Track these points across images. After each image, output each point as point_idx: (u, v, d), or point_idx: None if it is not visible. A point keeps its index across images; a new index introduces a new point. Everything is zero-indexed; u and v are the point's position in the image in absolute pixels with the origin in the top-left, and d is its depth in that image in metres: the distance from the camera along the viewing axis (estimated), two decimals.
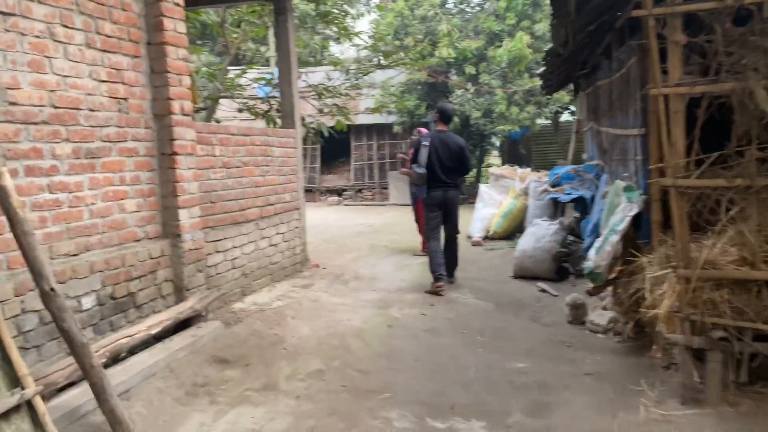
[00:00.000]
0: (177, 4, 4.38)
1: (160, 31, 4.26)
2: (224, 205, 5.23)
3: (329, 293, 6.01)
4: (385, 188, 17.22)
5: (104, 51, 3.88)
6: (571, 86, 11.70)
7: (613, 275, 4.53)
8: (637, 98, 4.19)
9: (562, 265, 6.63)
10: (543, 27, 12.86)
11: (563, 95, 13.40)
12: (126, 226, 4.08)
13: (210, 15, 8.74)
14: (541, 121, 15.24)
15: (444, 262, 6.21)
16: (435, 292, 5.98)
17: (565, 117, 19.18)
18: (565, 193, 6.92)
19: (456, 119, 13.68)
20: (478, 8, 15.01)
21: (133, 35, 4.14)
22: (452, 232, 6.45)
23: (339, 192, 17.87)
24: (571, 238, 7.26)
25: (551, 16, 4.19)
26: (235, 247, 5.39)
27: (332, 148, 17.90)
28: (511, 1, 13.28)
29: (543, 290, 6.09)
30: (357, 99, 16.72)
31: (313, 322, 5.10)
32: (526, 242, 6.59)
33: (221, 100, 8.64)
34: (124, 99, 4.07)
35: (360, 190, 17.62)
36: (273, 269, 6.12)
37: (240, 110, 8.26)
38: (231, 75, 9.04)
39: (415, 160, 6.22)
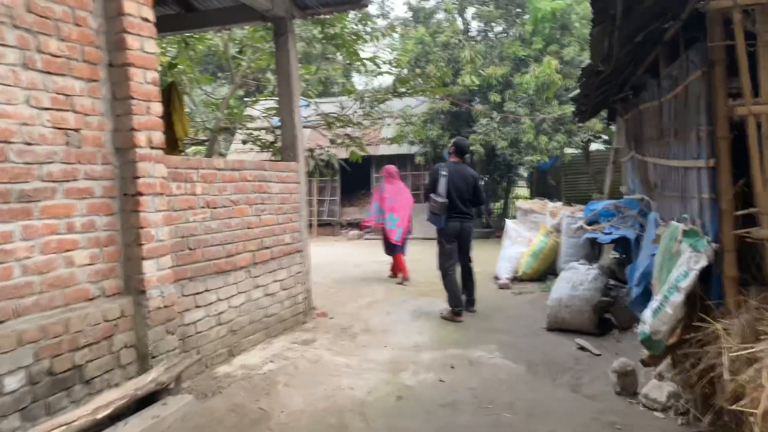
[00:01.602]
0: (145, 20, 3.73)
1: (123, 50, 3.60)
2: (207, 251, 4.50)
3: (333, 351, 5.20)
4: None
5: (47, 73, 3.22)
6: (604, 114, 10.89)
7: (674, 339, 3.64)
8: (702, 122, 3.36)
9: (604, 317, 5.72)
10: (572, 51, 12.11)
11: (595, 123, 12.54)
12: (73, 282, 3.36)
13: (212, 40, 8.21)
14: (570, 150, 14.37)
15: (462, 294, 6.41)
16: (452, 320, 6.21)
17: (595, 146, 18.26)
18: (604, 232, 6.04)
19: (481, 149, 12.91)
20: (503, 34, 14.33)
21: (89, 55, 3.49)
22: (467, 262, 6.58)
23: (360, 225, 17.12)
24: (611, 282, 6.35)
25: (591, 23, 3.42)
26: (220, 300, 4.65)
27: (352, 179, 17.28)
28: (538, 25, 12.58)
29: (582, 348, 5.19)
30: (377, 129, 16.14)
31: (309, 390, 4.28)
32: (561, 289, 5.70)
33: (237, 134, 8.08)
34: (75, 130, 3.39)
35: None
36: (269, 323, 5.35)
37: (244, 142, 7.63)
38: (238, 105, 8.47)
39: (433, 190, 6.31)
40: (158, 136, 3.83)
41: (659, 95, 4.52)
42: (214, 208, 4.61)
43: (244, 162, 5.05)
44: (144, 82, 3.72)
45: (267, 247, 5.33)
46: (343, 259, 11.84)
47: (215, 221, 4.62)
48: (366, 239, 16.22)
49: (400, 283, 8.54)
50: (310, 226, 16.85)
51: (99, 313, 3.44)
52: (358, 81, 21.15)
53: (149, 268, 3.72)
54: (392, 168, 8.61)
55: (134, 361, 3.68)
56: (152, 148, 3.78)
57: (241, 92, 9.60)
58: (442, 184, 6.20)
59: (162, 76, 6.83)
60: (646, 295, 4.80)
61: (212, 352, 4.56)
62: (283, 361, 4.82)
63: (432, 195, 6.27)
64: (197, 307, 4.38)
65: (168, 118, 5.83)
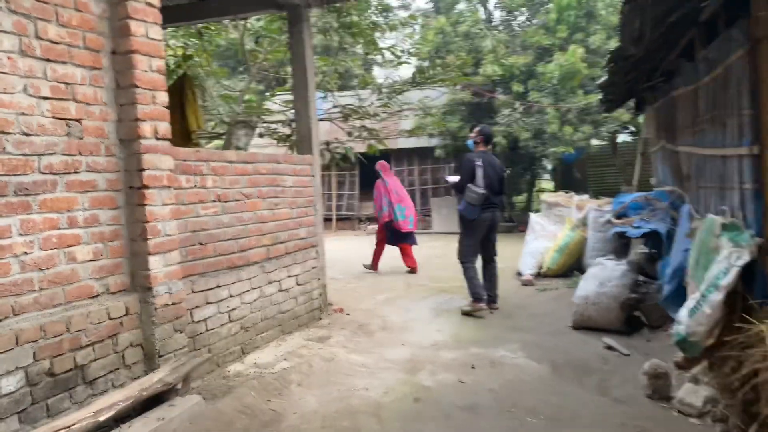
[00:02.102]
0: (150, 4, 3.57)
1: (127, 37, 3.45)
2: (218, 246, 4.35)
3: (348, 349, 5.02)
4: (428, 215, 16.19)
5: (47, 60, 3.08)
6: (631, 104, 10.52)
7: (711, 340, 3.38)
8: (744, 105, 3.09)
9: (633, 315, 5.45)
10: (598, 40, 11.73)
11: (622, 113, 12.15)
12: (76, 279, 3.23)
13: (230, 34, 8.08)
14: (596, 142, 13.98)
15: (484, 286, 6.28)
16: (472, 313, 6.09)
17: (622, 138, 17.78)
18: (634, 225, 5.75)
19: (503, 141, 12.61)
20: (526, 22, 13.98)
21: (91, 42, 3.34)
22: (493, 254, 6.43)
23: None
24: (641, 278, 6.07)
25: (622, 2, 3.17)
26: (232, 296, 4.50)
27: (371, 174, 17.05)
28: (563, 13, 12.22)
29: (610, 347, 4.93)
30: (396, 122, 15.91)
31: (323, 390, 4.12)
32: (588, 286, 5.44)
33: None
34: (77, 120, 3.25)
35: None
36: (283, 319, 5.19)
37: (261, 135, 7.48)
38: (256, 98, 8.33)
39: (470, 180, 6.10)
40: (164, 127, 3.68)
41: (695, 79, 4.24)
42: (226, 201, 4.46)
43: (256, 155, 4.89)
44: (149, 70, 3.57)
45: (281, 242, 5.17)
46: (361, 254, 11.63)
47: (227, 215, 4.46)
48: None
49: (410, 272, 8.88)
50: (330, 220, 16.72)
51: (103, 310, 3.31)
52: (380, 74, 20.92)
53: (156, 263, 3.58)
54: (386, 162, 9.04)
55: (140, 361, 3.55)
56: (158, 139, 3.63)
57: (262, 86, 9.46)
58: (480, 175, 6.04)
59: (176, 68, 6.72)
60: (679, 293, 4.53)
61: (224, 350, 4.41)
62: (297, 359, 4.66)
63: (470, 186, 6.06)
64: (208, 303, 4.23)
65: (181, 110, 5.71)
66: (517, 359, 4.76)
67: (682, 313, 3.22)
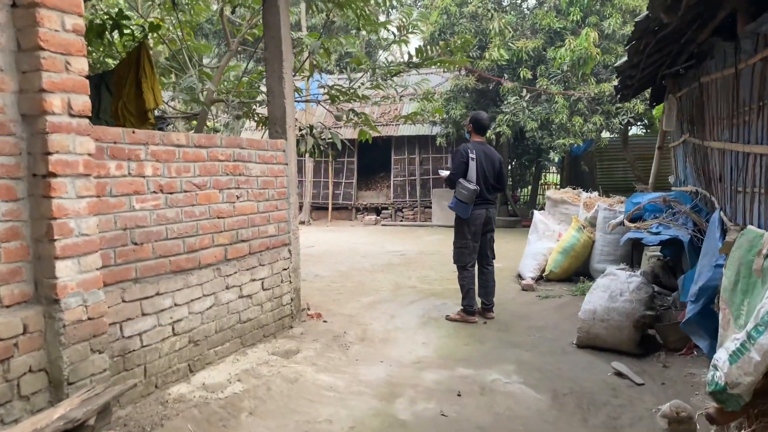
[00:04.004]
0: None
1: None
2: (159, 246, 3.66)
3: (317, 367, 4.34)
4: (428, 207, 15.48)
5: None
6: (646, 94, 9.73)
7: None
8: None
9: (647, 333, 4.76)
10: (614, 24, 10.91)
11: (636, 103, 11.35)
12: None
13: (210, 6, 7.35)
14: (606, 134, 13.18)
15: (479, 292, 5.74)
16: (463, 321, 5.58)
17: (633, 131, 16.95)
18: (651, 231, 5.03)
19: (508, 131, 11.84)
20: (536, 4, 13.12)
21: None
22: (490, 257, 5.83)
23: (378, 210, 16.24)
24: (656, 288, 5.36)
25: None
26: (177, 305, 3.81)
27: (370, 161, 16.39)
28: None
29: (620, 374, 4.24)
30: (397, 109, 15.15)
31: (278, 422, 3.45)
32: (596, 299, 4.74)
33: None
34: None
35: (400, 209, 15.92)
36: (244, 330, 4.51)
37: (237, 117, 6.76)
38: (238, 75, 7.59)
39: (462, 174, 5.50)
40: (82, 101, 2.97)
41: (735, 61, 3.49)
42: (171, 193, 3.75)
43: (213, 137, 4.18)
44: (61, 29, 2.85)
45: (243, 240, 4.48)
46: (353, 247, 11.00)
47: (172, 209, 3.77)
48: (383, 225, 15.35)
49: None
50: (326, 209, 16.04)
51: None
52: (385, 60, 20.12)
53: (65, 270, 2.89)
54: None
55: (44, 390, 2.87)
56: (73, 116, 2.92)
57: (243, 63, 8.72)
58: (473, 168, 5.46)
59: (142, 39, 6.00)
60: (704, 315, 3.83)
61: (166, 369, 3.73)
62: (253, 380, 3.98)
63: (461, 181, 5.47)
64: (144, 315, 3.54)
65: (137, 85, 5.00)
66: (511, 385, 4.07)
67: (721, 357, 2.51)
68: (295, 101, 7.23)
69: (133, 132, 3.49)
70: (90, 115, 3.03)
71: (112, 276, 3.31)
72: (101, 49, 6.38)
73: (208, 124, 10.25)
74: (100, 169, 3.23)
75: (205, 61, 8.38)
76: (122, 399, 3.37)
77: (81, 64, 2.96)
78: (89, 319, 3.02)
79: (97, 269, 3.08)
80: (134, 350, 3.48)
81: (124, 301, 3.40)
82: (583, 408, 3.72)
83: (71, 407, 2.79)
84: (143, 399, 3.55)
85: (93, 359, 3.05)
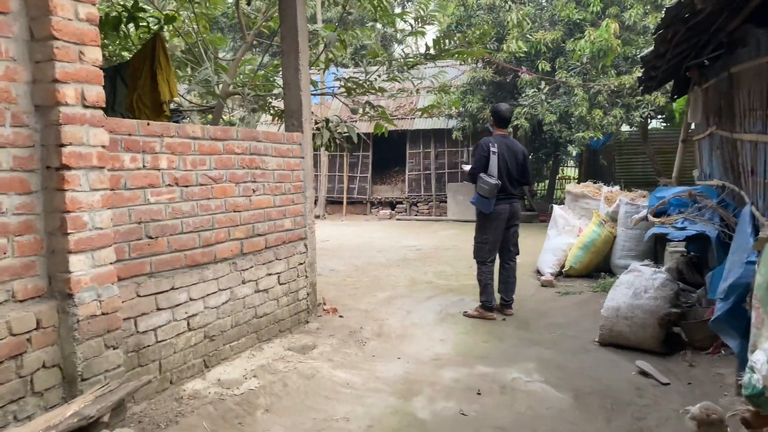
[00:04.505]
0: None
1: None
2: (174, 240, 3.60)
3: (334, 363, 4.27)
4: (444, 201, 15.35)
5: None
6: (668, 87, 9.50)
7: None
8: None
9: (671, 331, 4.62)
10: (635, 15, 10.67)
11: (656, 96, 11.12)
12: None
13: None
14: (625, 127, 12.94)
15: (498, 288, 5.65)
16: (481, 317, 5.46)
17: (653, 125, 16.67)
18: (676, 226, 4.88)
19: (526, 124, 11.67)
20: None
21: None
22: (513, 253, 5.68)
23: (392, 204, 16.13)
24: (680, 285, 5.22)
25: None
26: (193, 300, 3.76)
27: (385, 155, 16.29)
28: None
29: (644, 373, 4.11)
30: (412, 103, 15.01)
31: (294, 419, 3.39)
32: (619, 296, 4.62)
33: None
34: None
35: (415, 203, 15.80)
36: (260, 324, 4.45)
37: (254, 110, 6.70)
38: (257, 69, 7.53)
39: (484, 169, 5.36)
40: (96, 92, 2.91)
41: None
42: (186, 186, 3.70)
43: (229, 130, 4.11)
44: (74, 18, 2.79)
45: (260, 234, 4.41)
46: (368, 242, 10.92)
47: (187, 203, 3.71)
48: (398, 219, 15.26)
49: None
50: (340, 203, 15.98)
51: (1, 323, 2.58)
52: (401, 53, 19.98)
53: (79, 264, 2.84)
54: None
55: (57, 386, 2.83)
56: (87, 107, 2.86)
57: (258, 56, 8.66)
58: (494, 162, 5.32)
59: (158, 31, 5.95)
60: (735, 313, 3.68)
61: (181, 364, 3.69)
62: (269, 376, 3.92)
63: (482, 175, 5.32)
64: (159, 309, 3.49)
65: (152, 78, 4.95)
66: (532, 384, 3.97)
67: (759, 359, 2.39)
68: (311, 94, 7.17)
69: (148, 124, 3.43)
70: (105, 106, 2.98)
71: (127, 270, 3.26)
72: (117, 42, 6.33)
73: (224, 117, 10.22)
74: (115, 161, 3.18)
75: (221, 54, 8.32)
76: (137, 395, 3.32)
77: (95, 54, 2.90)
78: (103, 314, 2.98)
79: (111, 263, 3.03)
80: (149, 346, 3.43)
81: (138, 295, 3.35)
82: (607, 408, 3.61)
83: (85, 404, 2.75)
84: (158, 395, 3.50)
85: (107, 355, 3.00)
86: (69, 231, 2.79)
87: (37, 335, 2.73)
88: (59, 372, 2.84)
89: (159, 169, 3.49)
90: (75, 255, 2.82)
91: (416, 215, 15.54)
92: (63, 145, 2.75)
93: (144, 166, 3.38)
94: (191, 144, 3.74)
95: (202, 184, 3.83)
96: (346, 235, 11.98)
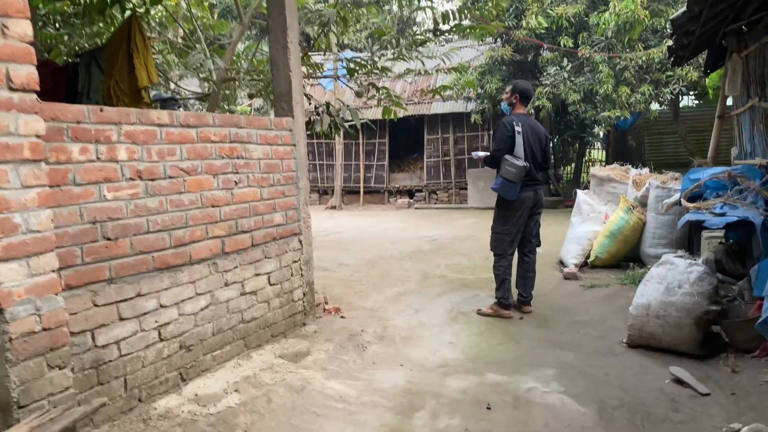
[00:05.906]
0: None
1: None
2: (140, 240, 3.20)
3: (328, 372, 3.85)
4: (464, 188, 14.81)
5: None
6: (700, 60, 8.80)
7: None
8: None
9: (710, 331, 4.08)
10: None
11: (688, 70, 10.40)
12: None
13: None
14: (655, 105, 12.20)
15: (516, 283, 5.16)
16: (496, 315, 4.99)
17: (684, 102, 15.82)
18: (714, 212, 4.32)
19: (548, 104, 11.06)
20: None
21: None
22: (534, 245, 5.18)
23: (411, 193, 15.64)
24: (720, 277, 4.66)
25: None
26: (164, 307, 3.35)
27: (403, 142, 15.79)
28: None
29: (680, 381, 3.59)
30: (430, 86, 14.44)
31: None
32: (650, 292, 4.09)
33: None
34: None
35: (435, 191, 15.28)
36: (248, 330, 4.04)
37: (251, 96, 6.29)
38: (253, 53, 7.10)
39: (509, 150, 4.80)
40: (26, 73, 2.50)
41: None
42: (152, 179, 3.28)
43: (203, 116, 3.68)
44: None
45: (245, 231, 3.99)
46: (383, 232, 10.48)
47: (154, 198, 3.29)
48: (416, 208, 14.77)
49: None
50: (357, 193, 15.55)
51: None
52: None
53: (10, 273, 2.44)
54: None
55: None
56: (13, 89, 2.45)
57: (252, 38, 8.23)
58: (519, 144, 4.79)
59: (144, 14, 5.57)
60: None
61: (151, 379, 3.29)
62: (252, 390, 3.50)
63: (508, 157, 4.77)
64: (122, 319, 3.10)
65: (129, 61, 4.55)
66: (550, 395, 3.49)
67: None
68: (314, 77, 6.69)
69: (101, 110, 3.01)
70: (38, 89, 2.56)
71: (79, 277, 2.86)
72: (101, 25, 5.96)
73: (237, 107, 9.82)
74: (59, 153, 2.76)
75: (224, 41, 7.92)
76: (96, 418, 2.94)
77: (22, 28, 2.49)
78: (44, 329, 2.58)
79: (53, 271, 2.63)
80: (110, 361, 3.04)
81: (96, 305, 2.95)
82: (637, 425, 3.12)
83: None
84: (123, 415, 3.12)
85: (51, 377, 2.61)
86: None
87: None
88: None
89: (117, 161, 3.07)
90: (4, 263, 2.42)
91: (435, 203, 15.04)
92: None
93: (98, 158, 2.97)
94: (157, 132, 3.32)
95: (171, 177, 3.41)
96: (361, 226, 11.56)
